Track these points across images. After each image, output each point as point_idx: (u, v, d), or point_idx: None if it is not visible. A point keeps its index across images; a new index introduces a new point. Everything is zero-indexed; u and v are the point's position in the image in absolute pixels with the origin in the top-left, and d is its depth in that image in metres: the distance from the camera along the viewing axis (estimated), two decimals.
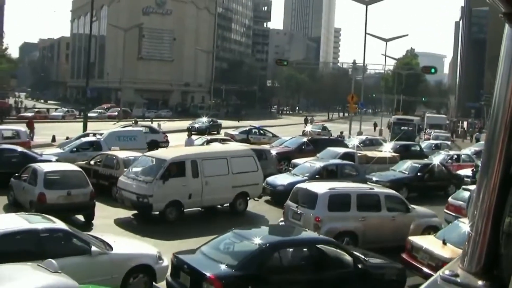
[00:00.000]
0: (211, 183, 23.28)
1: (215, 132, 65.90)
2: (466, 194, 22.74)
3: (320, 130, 65.06)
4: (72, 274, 12.59)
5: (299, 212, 19.02)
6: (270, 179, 28.28)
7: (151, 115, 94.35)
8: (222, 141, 39.90)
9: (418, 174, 31.39)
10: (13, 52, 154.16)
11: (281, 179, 28.12)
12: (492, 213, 1.75)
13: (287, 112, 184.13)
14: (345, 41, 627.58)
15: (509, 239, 1.67)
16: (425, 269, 14.86)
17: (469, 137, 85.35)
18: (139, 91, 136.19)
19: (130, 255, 14.24)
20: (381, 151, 40.29)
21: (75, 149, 33.33)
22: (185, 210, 23.26)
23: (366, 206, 19.37)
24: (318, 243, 13.98)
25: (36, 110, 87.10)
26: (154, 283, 13.96)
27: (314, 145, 39.44)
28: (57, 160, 28.29)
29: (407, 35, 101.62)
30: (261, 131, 55.38)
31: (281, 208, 21.14)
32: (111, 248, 13.93)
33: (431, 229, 19.74)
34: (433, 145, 51.71)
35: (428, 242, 16.14)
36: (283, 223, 19.44)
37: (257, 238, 12.96)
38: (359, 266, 13.39)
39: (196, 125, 68.05)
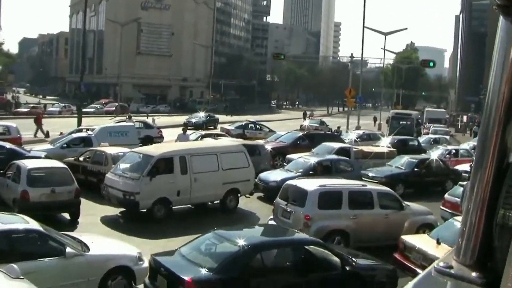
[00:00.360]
0: (201, 179, 22.66)
1: (212, 127, 65.35)
2: None
3: (317, 125, 64.52)
4: (44, 277, 12.17)
5: (288, 210, 18.38)
6: (263, 175, 27.68)
7: (147, 110, 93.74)
8: (216, 136, 39.21)
9: (415, 169, 30.77)
10: (13, 48, 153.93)
11: (274, 175, 27.51)
12: (486, 206, 1.74)
13: (287, 106, 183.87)
14: (345, 36, 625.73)
15: (502, 231, 1.65)
16: (418, 270, 14.16)
17: (469, 131, 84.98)
18: (137, 86, 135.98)
19: (108, 256, 13.69)
20: (378, 146, 39.65)
21: (65, 145, 32.67)
22: (174, 207, 22.68)
23: (358, 203, 18.75)
24: (303, 244, 13.31)
25: (31, 105, 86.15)
26: (133, 284, 13.40)
27: (309, 140, 38.74)
28: (46, 157, 27.63)
29: (406, 28, 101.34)
30: (257, 126, 54.73)
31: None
32: (88, 249, 13.36)
33: (426, 227, 19.17)
34: (432, 139, 51.08)
35: (422, 242, 15.54)
36: (272, 221, 18.83)
37: (239, 239, 12.30)
38: (347, 268, 12.75)
39: (193, 120, 67.55)
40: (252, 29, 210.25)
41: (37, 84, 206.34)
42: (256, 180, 26.33)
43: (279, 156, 35.38)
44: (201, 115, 71.62)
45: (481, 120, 1.89)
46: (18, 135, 36.29)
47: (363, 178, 27.55)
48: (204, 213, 23.61)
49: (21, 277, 9.62)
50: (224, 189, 23.71)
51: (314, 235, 16.62)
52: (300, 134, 41.79)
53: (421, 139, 51.51)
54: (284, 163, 32.02)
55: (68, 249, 12.71)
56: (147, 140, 41.57)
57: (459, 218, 15.66)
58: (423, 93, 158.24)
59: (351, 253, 14.25)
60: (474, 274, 1.70)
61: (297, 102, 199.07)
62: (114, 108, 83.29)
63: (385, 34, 79.18)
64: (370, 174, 29.64)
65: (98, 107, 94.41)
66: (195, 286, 11.05)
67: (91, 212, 22.30)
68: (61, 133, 41.63)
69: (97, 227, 20.50)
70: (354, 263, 13.07)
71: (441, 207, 23.14)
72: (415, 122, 62.00)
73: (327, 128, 62.63)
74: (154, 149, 25.07)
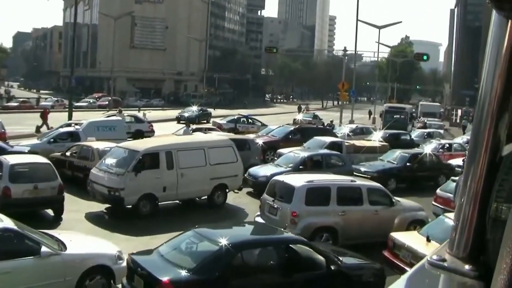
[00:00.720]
0: (187, 175, 22.21)
1: (205, 121, 64.89)
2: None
3: (311, 119, 64.17)
4: (19, 277, 11.80)
5: (275, 206, 17.93)
6: (252, 170, 27.26)
7: (139, 104, 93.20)
8: (207, 130, 38.77)
9: (407, 164, 30.37)
10: (7, 42, 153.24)
11: (263, 170, 27.05)
12: (479, 199, 1.76)
13: (281, 100, 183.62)
14: (340, 29, 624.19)
15: (495, 224, 1.68)
16: (407, 269, 13.70)
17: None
18: (132, 80, 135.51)
19: (86, 255, 13.26)
20: (370, 140, 39.22)
21: (52, 139, 32.13)
22: (160, 203, 22.23)
23: (347, 199, 18.30)
24: (287, 242, 12.84)
25: (21, 100, 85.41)
26: (113, 284, 12.97)
27: (301, 134, 38.29)
28: (30, 152, 27.13)
29: (401, 22, 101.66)
30: (250, 120, 54.27)
31: None
32: (65, 248, 12.92)
33: (417, 223, 18.73)
34: (425, 133, 50.72)
35: (411, 239, 15.12)
36: (259, 218, 18.39)
37: (220, 237, 11.81)
38: (332, 267, 12.31)
39: (186, 114, 67.07)
40: (246, 23, 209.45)
41: (31, 78, 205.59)
42: (245, 175, 25.94)
43: (270, 151, 34.97)
44: (194, 109, 71.15)
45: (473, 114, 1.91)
46: (3, 130, 35.76)
47: (354, 173, 27.18)
48: (192, 209, 23.17)
49: None
50: (211, 184, 23.25)
51: (302, 232, 16.24)
52: (292, 128, 41.38)
53: (415, 133, 51.22)
54: (275, 158, 31.64)
55: (43, 248, 12.27)
56: (138, 135, 41.27)
57: (450, 215, 15.32)
58: (417, 87, 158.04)
59: (338, 252, 13.85)
60: (467, 266, 1.74)
61: (291, 96, 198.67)
62: (107, 102, 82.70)
63: (379, 27, 79.00)
64: (362, 169, 29.29)
65: (91, 101, 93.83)
66: (171, 287, 10.61)
67: (76, 208, 21.90)
68: (50, 128, 41.15)
69: (81, 223, 20.17)
70: (340, 262, 12.65)
71: (433, 202, 22.75)
72: (409, 116, 61.73)
73: (320, 122, 62.18)
74: (140, 144, 24.63)
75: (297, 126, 43.87)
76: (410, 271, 2.18)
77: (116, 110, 55.87)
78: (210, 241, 11.88)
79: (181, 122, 58.60)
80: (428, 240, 14.05)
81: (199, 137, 29.27)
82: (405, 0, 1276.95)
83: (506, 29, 1.76)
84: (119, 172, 21.41)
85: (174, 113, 71.52)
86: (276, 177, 19.72)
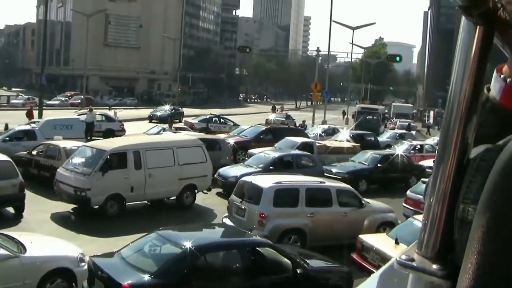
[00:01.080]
0: (155, 175, 21.92)
1: (177, 121, 64.45)
2: None
3: (284, 119, 64.04)
4: None
5: (243, 207, 17.69)
6: (222, 170, 26.97)
7: (110, 103, 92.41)
8: (177, 129, 38.43)
9: (379, 165, 30.29)
10: None
11: (233, 171, 26.75)
12: (447, 200, 1.67)
13: (255, 100, 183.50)
14: (315, 30, 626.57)
15: (462, 224, 1.61)
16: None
17: (436, 126, 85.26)
18: (105, 78, 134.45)
19: (46, 258, 12.90)
20: (342, 141, 39.12)
21: (7, 138, 31.44)
22: (128, 204, 21.91)
23: (316, 201, 18.15)
24: (252, 245, 12.60)
25: None
26: (74, 286, 12.65)
27: (273, 135, 38.02)
28: None
29: (374, 23, 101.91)
30: (222, 120, 53.92)
31: None
32: (25, 250, 12.56)
33: (386, 225, 18.64)
34: (397, 134, 50.75)
35: (380, 241, 14.99)
36: (227, 219, 18.14)
37: (183, 240, 11.56)
38: (298, 270, 12.09)
39: (158, 113, 66.67)
40: (221, 22, 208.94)
41: (3, 75, 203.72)
42: (215, 175, 25.70)
43: (241, 151, 34.71)
44: (166, 108, 70.67)
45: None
46: None
47: (326, 174, 27.04)
48: (160, 209, 22.82)
49: None
50: (180, 184, 22.98)
51: (269, 234, 16.04)
52: (263, 128, 41.11)
53: (387, 134, 51.29)
54: (247, 158, 31.42)
55: (0, 251, 11.93)
56: (109, 134, 40.80)
57: (419, 217, 15.19)
58: (391, 88, 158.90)
59: (306, 255, 13.67)
60: (434, 266, 1.65)
61: (265, 96, 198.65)
62: (79, 101, 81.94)
63: (353, 28, 79.21)
64: (334, 170, 29.14)
65: (63, 99, 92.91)
66: None
67: (42, 208, 21.48)
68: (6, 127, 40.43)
69: (46, 224, 19.76)
70: (306, 266, 12.44)
71: (403, 204, 22.66)
72: (381, 116, 61.92)
73: (292, 122, 62.06)
74: (107, 143, 24.27)
75: (268, 126, 43.62)
76: (379, 270, 2.11)
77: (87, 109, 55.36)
78: (173, 243, 11.62)
79: (153, 121, 58.18)
80: (397, 242, 13.91)
81: (168, 136, 28.98)
82: (379, 2, 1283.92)
83: (474, 35, 1.68)
84: (86, 172, 21.07)
85: (146, 112, 70.99)
86: (244, 178, 19.53)
